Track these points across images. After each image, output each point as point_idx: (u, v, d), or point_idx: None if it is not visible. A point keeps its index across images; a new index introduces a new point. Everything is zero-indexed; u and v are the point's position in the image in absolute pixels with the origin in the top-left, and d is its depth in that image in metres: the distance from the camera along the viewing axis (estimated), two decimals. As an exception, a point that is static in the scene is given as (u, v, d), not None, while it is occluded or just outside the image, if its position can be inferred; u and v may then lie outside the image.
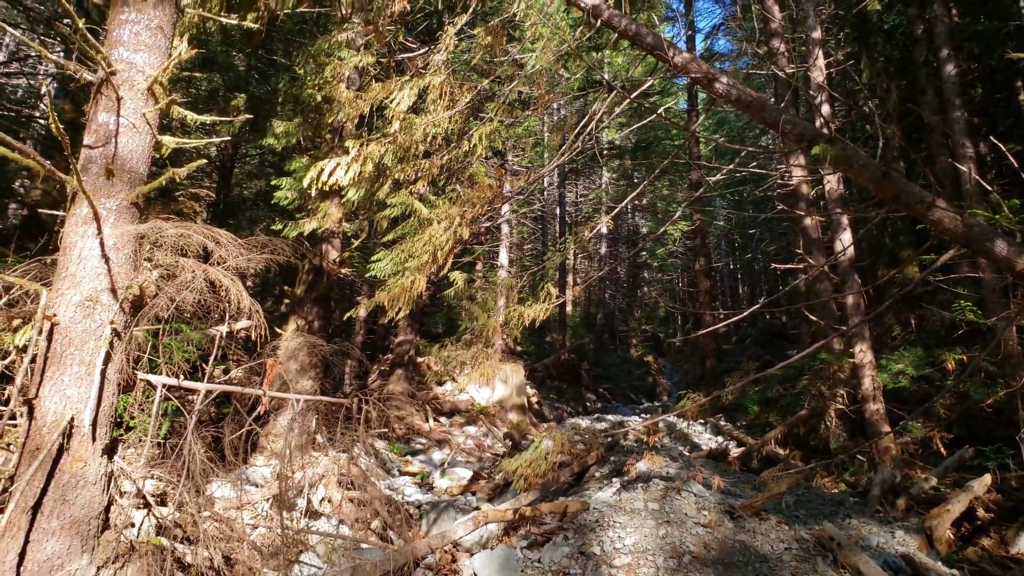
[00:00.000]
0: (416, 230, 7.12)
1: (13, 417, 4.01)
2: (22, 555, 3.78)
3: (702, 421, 14.09)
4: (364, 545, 6.68)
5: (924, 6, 12.10)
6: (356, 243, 9.81)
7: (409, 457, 11.59)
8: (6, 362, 4.31)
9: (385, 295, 6.51)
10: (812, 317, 11.55)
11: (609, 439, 10.11)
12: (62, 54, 12.00)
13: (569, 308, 30.69)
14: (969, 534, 6.83)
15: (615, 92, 6.70)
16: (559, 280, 27.16)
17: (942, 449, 8.76)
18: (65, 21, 10.66)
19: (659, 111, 6.72)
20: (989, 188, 6.03)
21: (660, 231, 8.93)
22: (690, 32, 21.02)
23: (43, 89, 17.18)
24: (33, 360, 4.12)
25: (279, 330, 8.57)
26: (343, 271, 10.01)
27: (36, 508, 3.90)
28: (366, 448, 10.17)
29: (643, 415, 17.45)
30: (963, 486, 7.18)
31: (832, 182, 10.86)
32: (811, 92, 10.84)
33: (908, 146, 13.22)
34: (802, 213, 11.38)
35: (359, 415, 6.81)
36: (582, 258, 36.10)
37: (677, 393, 18.49)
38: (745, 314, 5.90)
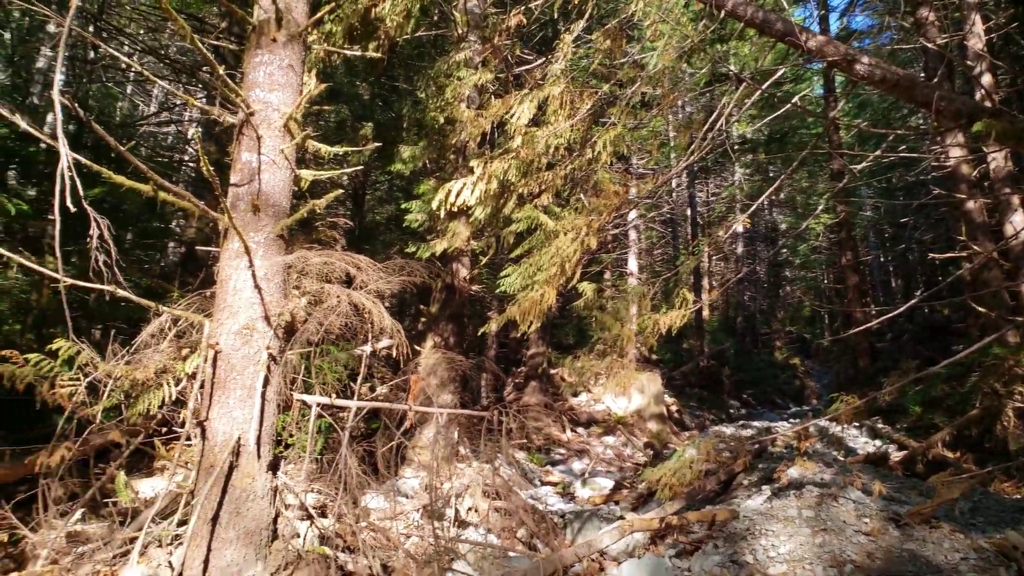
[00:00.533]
0: (543, 243, 7.17)
1: (189, 438, 4.39)
2: (206, 561, 4.13)
3: (857, 424, 13.20)
4: (512, 553, 6.77)
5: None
6: (484, 260, 10.03)
7: (549, 467, 11.65)
8: (179, 388, 4.74)
9: (516, 309, 6.59)
10: (980, 309, 10.57)
11: (756, 446, 9.72)
12: (204, 100, 13.10)
13: (706, 313, 29.82)
14: None
15: (744, 84, 6.48)
16: (694, 284, 26.48)
17: None
18: (205, 69, 11.61)
19: (794, 100, 6.43)
20: None
21: (802, 227, 8.51)
22: (823, 12, 19.95)
23: (190, 134, 18.87)
24: (202, 385, 4.51)
25: (418, 347, 8.89)
26: (474, 288, 10.26)
27: (215, 520, 4.25)
28: (507, 459, 10.32)
29: (791, 420, 16.64)
30: None
31: (998, 159, 9.91)
32: (968, 63, 9.96)
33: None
34: (963, 196, 10.44)
35: (499, 427, 6.94)
36: (717, 260, 35.00)
37: (828, 396, 17.46)
38: (902, 309, 5.48)
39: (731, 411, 20.63)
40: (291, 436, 5.50)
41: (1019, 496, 8.10)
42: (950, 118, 4.96)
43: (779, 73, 6.54)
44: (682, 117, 26.28)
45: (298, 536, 4.75)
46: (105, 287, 3.61)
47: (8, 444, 6.21)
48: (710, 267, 33.07)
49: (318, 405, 5.16)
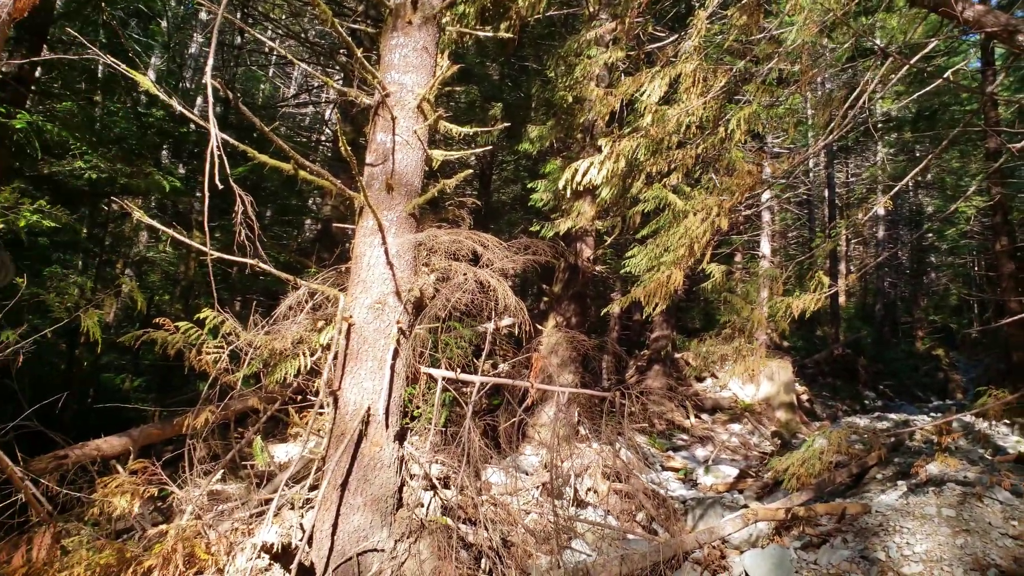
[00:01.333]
0: (671, 223, 7.02)
1: (321, 406, 4.65)
2: (335, 525, 4.38)
3: (1008, 422, 12.17)
4: (631, 536, 6.76)
5: None
6: (609, 240, 9.94)
7: (671, 453, 11.50)
8: (314, 358, 5.02)
9: (641, 290, 6.51)
10: None
11: (892, 439, 9.18)
12: (342, 82, 13.61)
13: (842, 299, 28.30)
14: None
15: (891, 59, 6.04)
16: (830, 268, 25.15)
17: None
18: (343, 52, 12.04)
19: (946, 75, 5.93)
20: None
21: (950, 209, 7.89)
22: (981, -23, 18.32)
23: (327, 115, 19.71)
24: (335, 356, 4.75)
25: (540, 326, 8.96)
26: (597, 268, 10.20)
27: (343, 486, 4.49)
28: (628, 442, 10.27)
29: (933, 414, 15.53)
30: None
31: None
32: None
33: None
34: None
35: (620, 409, 6.89)
36: (856, 243, 33.05)
37: (975, 390, 16.22)
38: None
39: (866, 402, 19.57)
40: (417, 408, 5.71)
41: None
42: None
43: (930, 46, 6.05)
44: (821, 94, 24.81)
45: (422, 505, 4.94)
46: (247, 260, 3.85)
47: (159, 406, 6.82)
48: (848, 251, 31.30)
49: (443, 379, 5.32)
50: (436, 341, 5.42)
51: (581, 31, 9.59)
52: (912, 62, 5.57)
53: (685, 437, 12.71)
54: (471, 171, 7.91)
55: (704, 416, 14.27)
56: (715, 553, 6.36)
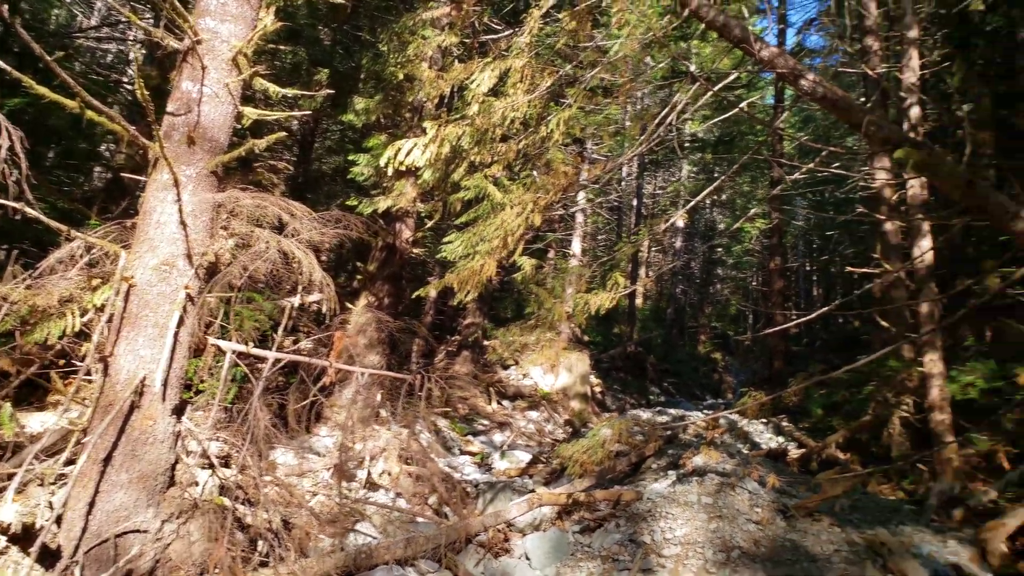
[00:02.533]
0: (489, 214, 7.10)
1: (89, 373, 4.20)
2: (92, 503, 3.98)
3: (765, 421, 13.73)
4: (420, 519, 6.79)
5: (1034, 5, 11.31)
6: (430, 223, 9.89)
7: (470, 437, 11.71)
8: (84, 319, 4.52)
9: (455, 277, 6.54)
10: (884, 323, 11.11)
11: (668, 432, 9.99)
12: (151, 20, 12.40)
13: (640, 301, 30.35)
14: (1023, 549, 6.49)
15: (698, 83, 6.52)
16: (631, 272, 26.86)
17: (1006, 463, 8.39)
18: (154, -13, 10.97)
19: (741, 105, 6.51)
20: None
21: (735, 226, 8.69)
22: (782, 26, 20.41)
23: (131, 55, 17.92)
24: (110, 319, 4.30)
25: (350, 305, 8.73)
26: (415, 251, 10.12)
27: (107, 461, 4.09)
28: (428, 425, 10.33)
29: (706, 411, 17.14)
30: (1021, 501, 6.83)
31: (916, 187, 10.34)
32: (901, 94, 10.31)
33: (1001, 155, 12.45)
34: (882, 217, 10.88)
35: (422, 392, 6.90)
36: (656, 251, 35.59)
37: (740, 391, 18.12)
38: (814, 315, 5.69)
39: (651, 397, 21.11)
40: (202, 382, 5.33)
41: (894, 497, 8.62)
42: (878, 143, 5.11)
43: (732, 77, 6.59)
44: (639, 108, 26.43)
45: (196, 484, 4.63)
46: (12, 204, 3.37)
47: None
48: (648, 257, 33.62)
49: (233, 352, 5.01)
50: (229, 311, 5.09)
51: (418, 9, 9.44)
52: (716, 89, 6.03)
53: (486, 423, 13.00)
54: (286, 134, 7.52)
55: (506, 403, 14.67)
56: (500, 536, 6.56)
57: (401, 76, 9.08)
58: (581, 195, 17.90)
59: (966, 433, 9.23)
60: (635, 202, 28.68)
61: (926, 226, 10.13)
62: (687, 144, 23.82)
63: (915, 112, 10.34)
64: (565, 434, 13.51)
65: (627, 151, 7.07)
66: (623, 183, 28.12)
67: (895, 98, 11.84)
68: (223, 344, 4.98)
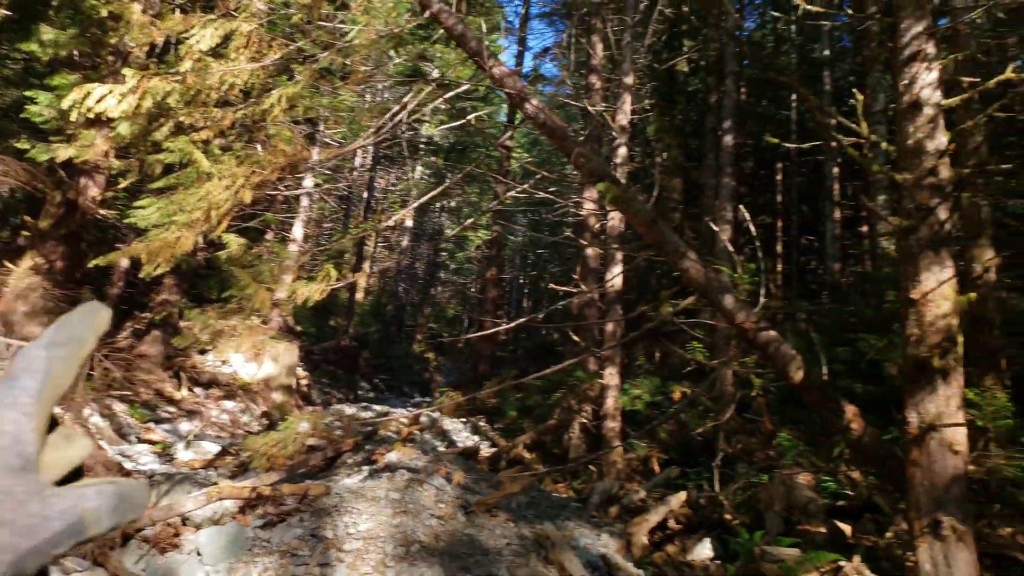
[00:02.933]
0: (193, 182, 6.59)
1: None
2: None
3: (464, 420, 14.47)
4: (71, 513, 6.06)
5: (721, 78, 13.44)
6: (124, 183, 8.88)
7: (152, 425, 10.74)
8: None
9: (144, 247, 5.97)
10: (576, 337, 12.38)
11: (369, 428, 10.07)
12: None
13: (360, 295, 30.20)
14: (660, 541, 7.69)
15: (431, 87, 6.71)
16: (355, 265, 26.64)
17: (657, 467, 9.85)
18: None
19: (470, 117, 6.83)
20: (732, 251, 6.79)
21: (457, 231, 9.07)
22: (521, 48, 21.79)
23: None
24: None
25: (10, 265, 7.50)
26: (103, 212, 9.03)
27: None
28: (101, 408, 9.31)
29: (411, 408, 17.60)
30: (663, 500, 8.05)
31: (615, 220, 11.71)
32: (613, 133, 11.61)
33: (686, 201, 14.62)
34: (585, 243, 12.14)
35: (94, 372, 6.17)
36: (383, 247, 35.73)
37: (440, 390, 18.93)
38: (515, 324, 6.17)
39: (360, 392, 21.12)
40: None
41: (566, 495, 9.62)
42: (585, 173, 5.73)
43: (463, 88, 6.91)
44: (379, 100, 26.41)
45: None
46: None
47: None
48: (375, 252, 33.64)
49: None
50: None
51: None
52: (446, 96, 6.26)
53: (173, 410, 12.01)
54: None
55: (199, 390, 13.70)
56: (169, 530, 6.11)
57: (105, 13, 8.04)
58: (308, 179, 17.38)
59: (629, 440, 10.56)
60: (366, 194, 28.56)
61: (619, 255, 11.45)
62: (422, 146, 24.33)
63: (622, 152, 11.65)
64: (261, 426, 12.99)
65: (357, 141, 7.02)
66: (355, 173, 27.86)
67: (608, 136, 13.26)
68: None
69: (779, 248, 18.62)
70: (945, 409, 4.96)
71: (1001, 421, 6.45)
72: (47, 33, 7.99)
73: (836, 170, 17.40)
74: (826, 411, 5.88)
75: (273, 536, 6.06)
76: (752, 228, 7.23)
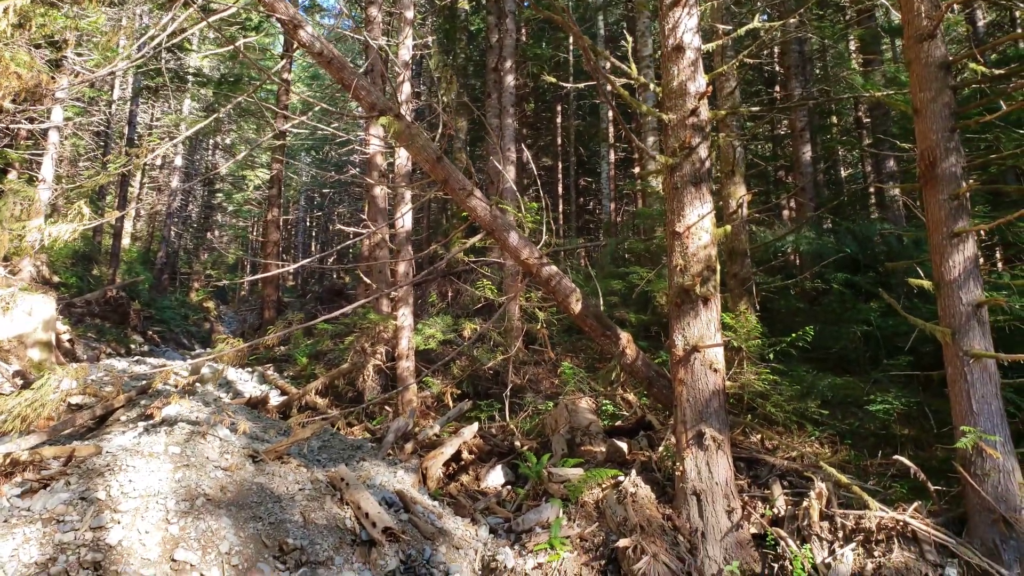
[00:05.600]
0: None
1: None
2: None
3: (250, 369, 13.96)
4: None
5: (501, 18, 13.68)
6: None
7: None
8: None
9: None
10: (367, 279, 12.34)
11: (143, 382, 9.41)
12: None
13: (127, 241, 27.56)
14: (455, 472, 8.09)
15: (193, 9, 6.20)
16: (119, 206, 24.16)
17: (451, 402, 10.26)
18: None
19: (238, 44, 6.42)
20: (516, 190, 7.11)
21: (228, 164, 8.54)
22: (297, -24, 20.55)
23: None
24: None
25: None
26: None
27: None
28: None
29: (191, 360, 16.62)
30: (457, 433, 8.45)
31: (403, 157, 11.67)
32: (396, 69, 11.46)
33: (471, 141, 14.87)
34: (373, 182, 12.00)
35: None
36: (150, 188, 32.65)
37: (220, 338, 18.07)
38: (300, 264, 6.03)
39: (133, 347, 19.51)
40: None
41: (360, 437, 9.73)
42: (367, 107, 5.67)
43: (229, 11, 6.46)
44: (138, 26, 23.75)
45: None
46: None
47: None
48: (140, 193, 30.69)
49: None
50: None
51: None
52: (210, 20, 5.82)
53: (-102, 375, 10.37)
54: None
55: (-70, 352, 11.94)
56: (-102, 508, 5.38)
57: None
58: (57, 111, 15.36)
59: (424, 378, 10.81)
60: (127, 130, 25.79)
61: (408, 194, 11.46)
62: (190, 76, 22.30)
63: (406, 88, 11.54)
64: (14, 387, 11.62)
65: (109, 66, 6.32)
66: (113, 107, 25.02)
67: (392, 74, 13.05)
68: None
69: (559, 189, 19.65)
70: (706, 332, 5.67)
71: (752, 342, 7.47)
72: None
73: (611, 114, 18.59)
74: (603, 339, 6.47)
75: (34, 504, 5.54)
76: (534, 168, 7.63)
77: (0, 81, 5.04)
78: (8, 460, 5.98)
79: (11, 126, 14.52)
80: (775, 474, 6.32)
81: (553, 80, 5.99)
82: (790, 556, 4.96)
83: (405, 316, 11.23)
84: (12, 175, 17.90)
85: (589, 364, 10.53)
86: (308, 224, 39.06)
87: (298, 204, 36.39)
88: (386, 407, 11.07)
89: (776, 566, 4.99)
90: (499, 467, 7.88)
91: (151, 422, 7.24)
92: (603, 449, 7.50)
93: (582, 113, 20.81)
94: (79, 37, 13.52)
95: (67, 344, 15.82)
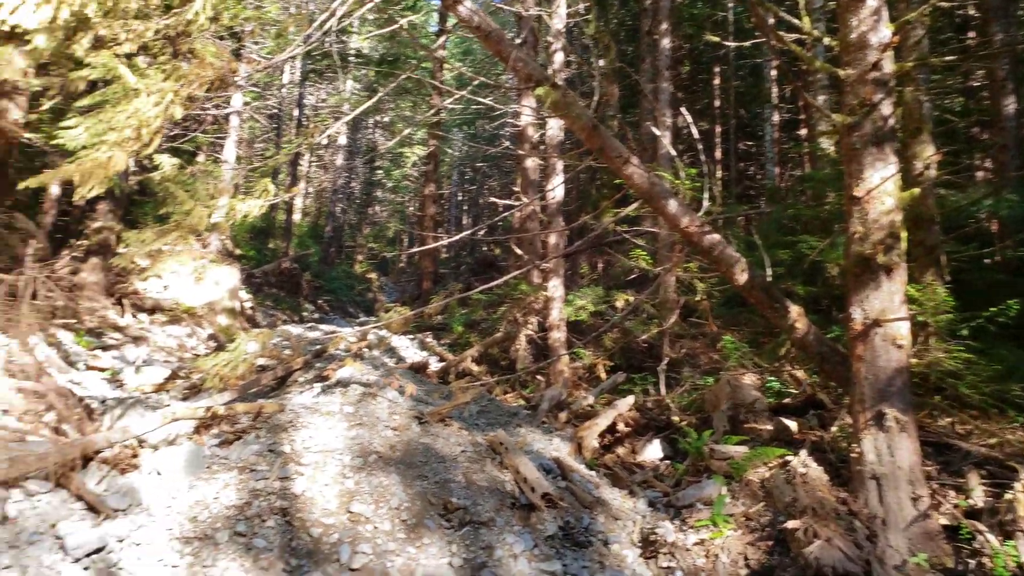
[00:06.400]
0: (120, 99, 6.31)
1: None
2: None
3: (411, 337, 14.65)
4: (31, 438, 6.05)
5: (656, -23, 13.25)
6: (46, 104, 8.38)
7: (99, 352, 10.56)
8: None
9: (76, 168, 5.75)
10: (519, 251, 12.52)
11: (318, 346, 10.13)
12: None
13: (298, 217, 29.63)
14: (610, 444, 8.08)
15: (360, -8, 6.49)
16: (290, 184, 26.03)
17: (603, 374, 10.24)
18: None
19: (402, 23, 6.67)
20: (675, 156, 6.92)
21: (390, 144, 8.95)
22: (449, -48, 20.90)
23: None
24: None
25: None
26: (29, 135, 8.57)
27: None
28: (46, 338, 9.11)
29: (358, 327, 17.68)
30: (612, 405, 8.42)
31: (554, 128, 11.66)
32: (549, 38, 11.44)
33: (624, 107, 14.60)
34: (524, 153, 12.11)
35: (36, 299, 6.03)
36: (317, 167, 34.86)
37: (385, 308, 19.01)
38: (458, 237, 6.25)
39: (305, 314, 21.03)
40: None
41: (515, 404, 9.96)
42: (523, 79, 5.70)
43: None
44: (306, 12, 25.21)
45: None
46: None
47: None
48: (308, 172, 32.83)
49: None
50: None
51: None
52: (376, 1, 6.09)
53: (119, 337, 11.79)
54: None
55: (143, 316, 13.47)
56: (127, 452, 6.16)
57: (9, -81, 7.44)
58: (238, 97, 16.72)
59: (575, 348, 10.86)
60: (296, 112, 27.61)
61: (559, 165, 11.47)
62: (352, 58, 23.45)
63: (559, 57, 11.50)
64: (209, 350, 12.90)
65: (286, 52, 6.79)
66: (284, 90, 26.84)
67: (544, 42, 13.04)
68: None
69: (718, 154, 18.87)
70: (889, 304, 5.24)
71: (941, 316, 6.81)
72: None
73: (774, 72, 17.57)
74: (770, 312, 6.15)
75: (231, 453, 6.14)
76: (695, 132, 7.37)
77: (198, 72, 5.53)
78: (210, 413, 6.66)
79: (198, 113, 15.92)
80: (970, 462, 5.77)
81: (716, 39, 5.71)
82: (990, 552, 4.50)
83: (556, 287, 11.32)
84: (200, 157, 19.73)
85: (752, 338, 10.10)
86: (460, 198, 40.20)
87: (451, 179, 37.49)
88: (538, 376, 11.25)
89: (973, 562, 4.55)
90: (656, 441, 7.80)
91: (327, 383, 7.78)
92: (769, 427, 7.20)
93: (742, 73, 19.83)
94: (255, 27, 14.54)
95: (248, 311, 17.32)
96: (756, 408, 7.57)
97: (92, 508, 5.14)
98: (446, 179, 35.75)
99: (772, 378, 8.49)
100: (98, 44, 6.40)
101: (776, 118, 17.25)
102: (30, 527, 4.62)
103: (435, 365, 12.09)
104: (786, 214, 11.72)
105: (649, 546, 5.52)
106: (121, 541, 4.75)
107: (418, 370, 10.75)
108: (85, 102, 6.53)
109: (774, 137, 16.80)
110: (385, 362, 10.22)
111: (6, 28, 5.44)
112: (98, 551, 4.58)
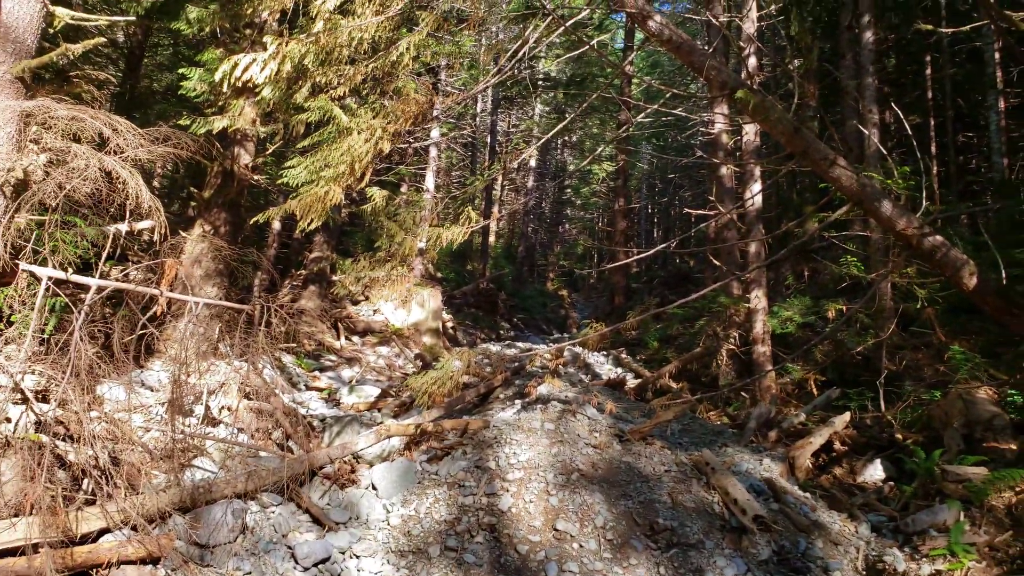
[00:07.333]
0: (335, 138, 6.86)
1: None
2: None
3: (605, 353, 14.54)
4: (263, 453, 6.65)
5: (853, -30, 12.24)
6: (271, 148, 9.35)
7: (317, 373, 11.52)
8: None
9: (297, 203, 6.31)
10: (716, 262, 11.99)
11: (516, 363, 10.31)
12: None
13: (492, 239, 30.72)
14: (825, 464, 7.45)
15: (550, 19, 6.55)
16: (484, 209, 27.07)
17: (814, 390, 9.48)
18: None
19: (592, 43, 6.64)
20: (886, 154, 6.26)
21: (582, 165, 8.95)
22: (632, -32, 20.77)
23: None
24: None
25: (184, 234, 8.18)
26: (256, 177, 9.58)
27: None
28: (272, 361, 10.06)
29: (553, 344, 17.87)
30: (826, 422, 7.74)
31: (749, 134, 11.10)
32: (741, 43, 10.93)
33: (823, 107, 13.57)
34: (719, 161, 11.63)
35: (264, 326, 6.66)
36: (509, 190, 36.02)
37: (583, 324, 18.99)
38: (651, 252, 6.06)
39: (501, 332, 21.64)
40: (13, 312, 4.80)
41: (719, 422, 9.47)
42: (717, 87, 5.43)
43: (584, 14, 6.69)
44: (494, 42, 26.22)
45: (9, 421, 4.26)
46: None
47: None
48: (502, 196, 33.99)
49: (50, 279, 4.59)
50: (42, 235, 4.60)
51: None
52: (567, 25, 6.10)
53: (334, 358, 12.83)
54: (104, 40, 6.76)
55: (355, 338, 14.53)
56: (346, 467, 6.57)
57: (241, -13, 8.41)
58: (435, 130, 17.67)
59: (782, 363, 10.19)
60: (489, 139, 28.71)
61: (757, 171, 10.89)
62: (540, 82, 24.01)
63: (752, 62, 10.96)
64: (416, 368, 13.61)
65: (480, 83, 7.03)
66: (477, 119, 28.03)
67: (735, 47, 12.51)
68: (37, 270, 4.54)
69: (933, 149, 17.01)
70: None
71: None
72: (192, 11, 8.49)
73: (997, 55, 15.54)
74: (1009, 318, 5.39)
75: (440, 469, 6.36)
76: (907, 128, 6.65)
77: (403, 108, 5.83)
78: (420, 430, 6.94)
79: (401, 146, 17.00)
80: None
81: (929, 27, 5.11)
82: None
83: (758, 298, 10.70)
84: (403, 188, 21.06)
85: (985, 348, 8.91)
86: (649, 211, 39.63)
87: (639, 193, 37.09)
88: (743, 393, 10.66)
89: None
90: (877, 461, 7.16)
91: (527, 400, 7.86)
92: (1012, 446, 6.37)
93: (958, 60, 17.76)
94: (451, 61, 15.31)
95: (451, 331, 18.12)
96: (995, 425, 6.71)
97: (317, 520, 5.53)
98: (635, 193, 35.43)
99: (1013, 391, 7.41)
100: (315, 90, 6.99)
101: (1002, 104, 15.19)
102: (266, 536, 5.04)
103: (632, 382, 11.89)
104: (1020, 209, 10.28)
105: (875, 575, 5.00)
106: (343, 552, 5.06)
107: (615, 387, 10.61)
108: (303, 144, 7.17)
109: (1001, 125, 14.79)
110: (582, 379, 10.18)
111: (239, 84, 6.09)
112: (323, 561, 4.91)
